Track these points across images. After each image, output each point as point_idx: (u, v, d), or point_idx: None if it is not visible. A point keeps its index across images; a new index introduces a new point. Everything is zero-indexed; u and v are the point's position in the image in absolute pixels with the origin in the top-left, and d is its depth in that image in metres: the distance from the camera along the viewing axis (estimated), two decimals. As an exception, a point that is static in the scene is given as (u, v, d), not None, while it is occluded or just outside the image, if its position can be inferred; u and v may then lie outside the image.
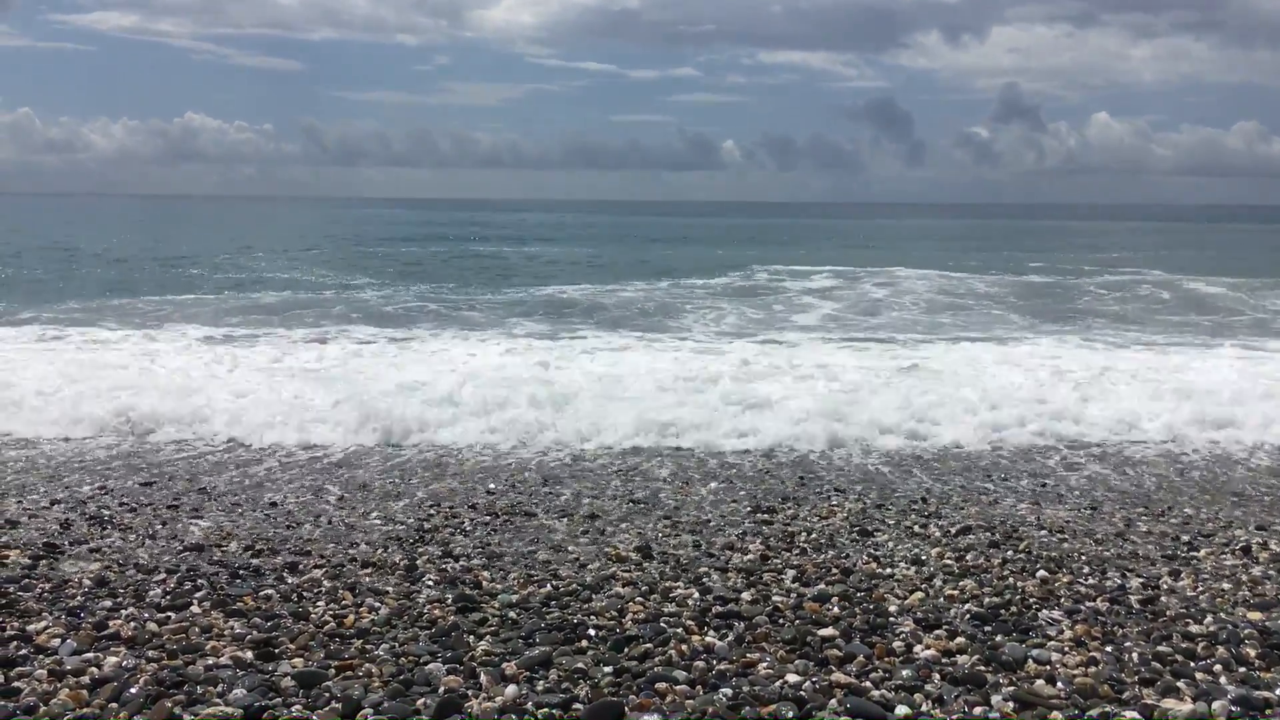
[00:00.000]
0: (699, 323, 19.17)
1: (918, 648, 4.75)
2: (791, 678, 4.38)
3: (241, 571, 5.86)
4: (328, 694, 4.19)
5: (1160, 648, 4.79)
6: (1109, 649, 4.77)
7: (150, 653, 4.57)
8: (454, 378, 11.92)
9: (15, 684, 4.22)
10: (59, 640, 4.70)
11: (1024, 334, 17.77)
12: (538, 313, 20.42)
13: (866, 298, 24.10)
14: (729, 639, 4.85)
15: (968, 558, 6.29)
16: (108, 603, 5.26)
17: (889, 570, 5.99)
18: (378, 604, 5.30)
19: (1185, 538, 6.84)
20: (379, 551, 6.35)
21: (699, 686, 4.31)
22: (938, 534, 6.83)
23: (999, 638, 4.89)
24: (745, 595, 5.47)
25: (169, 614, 5.10)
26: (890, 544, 6.60)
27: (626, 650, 4.68)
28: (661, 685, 4.29)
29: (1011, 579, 5.83)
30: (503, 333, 16.97)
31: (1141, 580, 5.87)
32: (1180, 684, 4.37)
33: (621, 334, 16.98)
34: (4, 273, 28.92)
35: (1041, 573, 5.95)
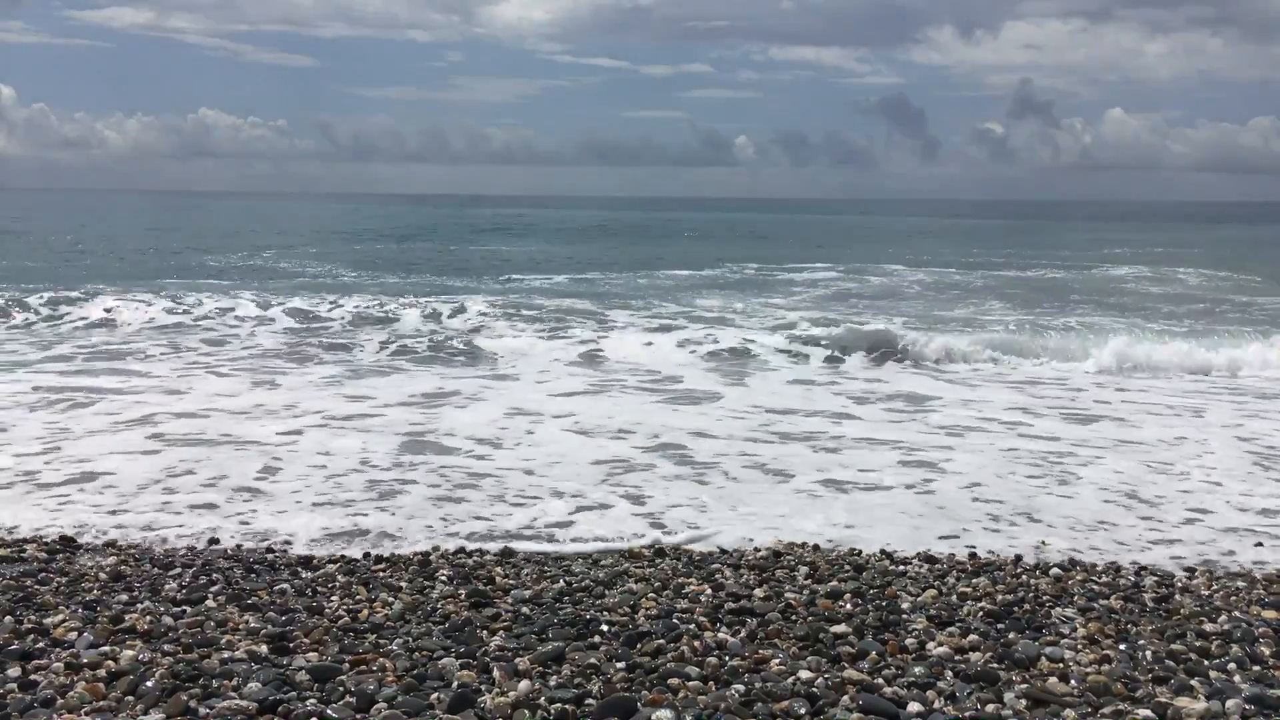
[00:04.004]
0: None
1: (930, 645, 4.74)
2: (804, 674, 4.38)
3: (256, 566, 5.89)
4: (342, 688, 4.21)
5: (1174, 646, 4.77)
6: (1122, 647, 4.76)
7: (166, 646, 4.60)
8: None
9: (33, 677, 4.25)
10: (76, 633, 4.73)
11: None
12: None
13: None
14: (742, 635, 4.85)
15: (980, 555, 6.28)
16: (124, 596, 5.30)
17: (902, 567, 5.99)
18: (392, 599, 5.32)
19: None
20: (393, 547, 6.37)
21: (711, 683, 4.31)
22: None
23: (1012, 635, 4.88)
24: (758, 592, 5.47)
25: (185, 608, 5.13)
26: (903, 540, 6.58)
27: (639, 646, 4.68)
28: (674, 681, 4.29)
29: (1025, 576, 5.82)
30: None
31: (1155, 578, 5.85)
32: (1194, 682, 4.35)
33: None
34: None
35: (1055, 570, 5.93)
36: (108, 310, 17.61)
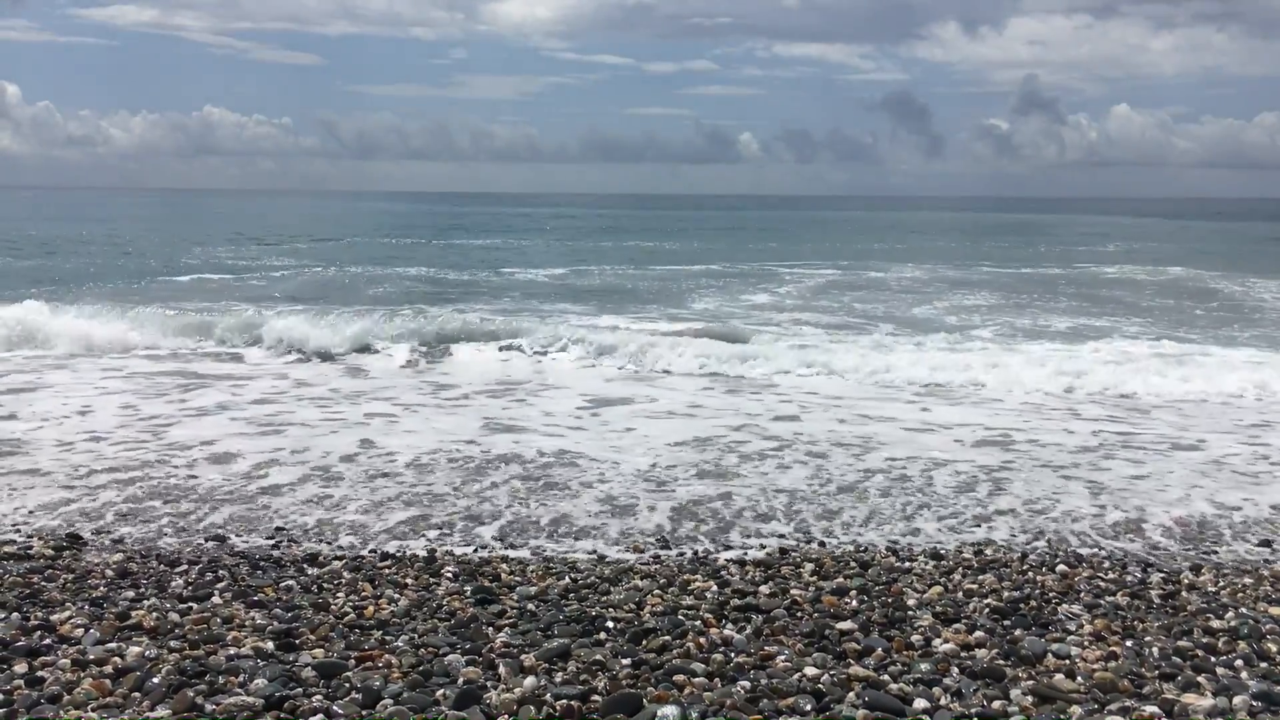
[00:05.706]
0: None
1: (936, 641, 4.73)
2: (810, 671, 4.37)
3: (262, 563, 5.89)
4: (348, 684, 4.21)
5: (1181, 643, 4.76)
6: (1129, 644, 4.75)
7: (172, 643, 4.60)
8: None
9: (39, 673, 4.26)
10: (82, 630, 4.74)
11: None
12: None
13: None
14: (747, 632, 4.85)
15: (987, 552, 6.27)
16: (130, 593, 5.30)
17: (908, 564, 5.98)
18: (397, 595, 5.32)
19: (1206, 532, 6.80)
20: (399, 543, 6.37)
21: (717, 679, 4.31)
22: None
23: (1018, 632, 4.87)
24: (763, 589, 5.46)
25: (191, 604, 5.13)
26: (909, 538, 6.57)
27: (644, 643, 4.68)
28: (679, 678, 4.29)
29: (1031, 573, 5.81)
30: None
31: (1162, 575, 5.84)
32: (1201, 679, 4.35)
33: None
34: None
35: (1061, 567, 5.92)
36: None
